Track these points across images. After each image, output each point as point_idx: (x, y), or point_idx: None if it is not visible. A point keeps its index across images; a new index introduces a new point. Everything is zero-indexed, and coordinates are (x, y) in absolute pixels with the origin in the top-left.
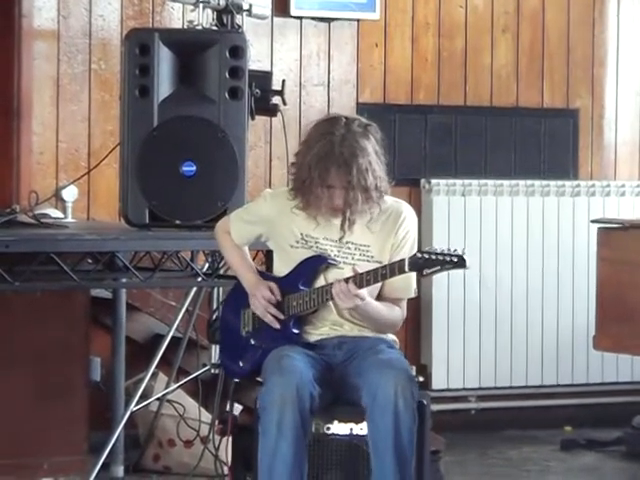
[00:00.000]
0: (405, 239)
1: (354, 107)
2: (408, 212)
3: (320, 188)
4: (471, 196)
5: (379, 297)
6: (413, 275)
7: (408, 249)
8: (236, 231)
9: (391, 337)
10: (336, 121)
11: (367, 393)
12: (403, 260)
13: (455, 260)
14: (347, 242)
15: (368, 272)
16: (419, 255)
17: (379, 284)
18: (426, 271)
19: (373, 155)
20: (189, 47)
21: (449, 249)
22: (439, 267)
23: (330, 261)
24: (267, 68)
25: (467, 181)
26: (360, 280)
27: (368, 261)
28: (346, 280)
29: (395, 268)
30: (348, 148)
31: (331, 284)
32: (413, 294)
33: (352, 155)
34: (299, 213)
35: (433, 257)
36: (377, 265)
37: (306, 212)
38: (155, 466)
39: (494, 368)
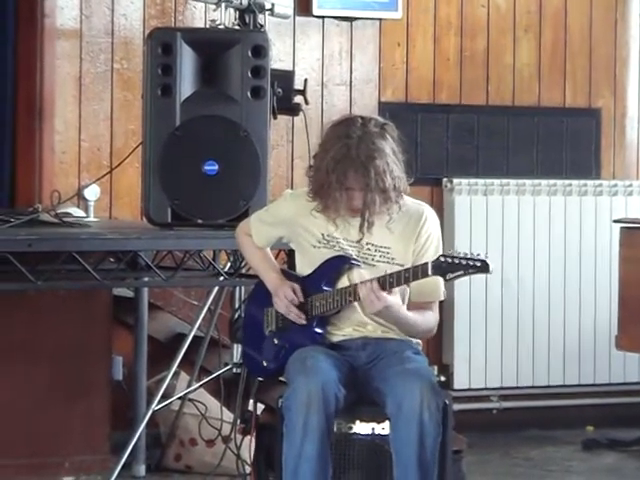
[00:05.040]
0: (428, 242)
1: (376, 106)
2: (429, 214)
3: (338, 191)
4: (493, 195)
5: (409, 302)
6: (441, 278)
7: (432, 252)
8: (257, 233)
9: (415, 339)
10: (352, 122)
11: (392, 402)
12: (426, 264)
13: (478, 265)
14: (367, 243)
15: (391, 274)
16: (442, 259)
17: (402, 295)
18: (449, 275)
19: (391, 155)
20: (211, 46)
21: (472, 253)
22: (462, 272)
23: (353, 262)
24: (289, 67)
25: (489, 180)
26: (383, 282)
27: (389, 263)
28: (376, 280)
29: (418, 271)
30: (365, 150)
31: (355, 285)
32: (442, 297)
33: (369, 157)
34: (318, 215)
35: (456, 261)
36: (399, 268)
37: (325, 214)
38: (177, 465)
39: (516, 368)
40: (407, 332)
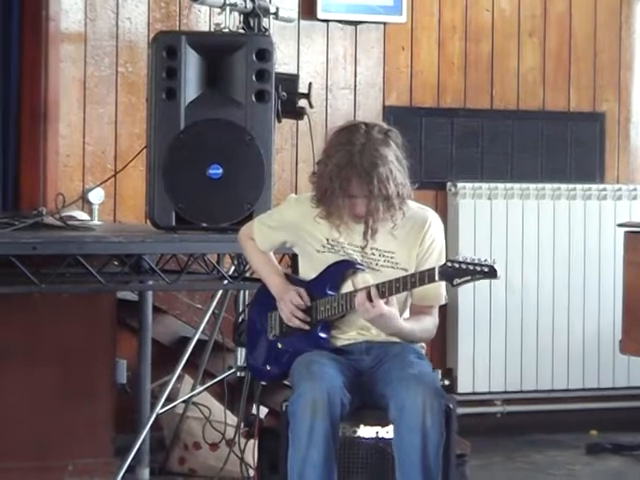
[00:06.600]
0: (432, 247)
1: (380, 110)
2: (433, 219)
3: (341, 198)
4: (497, 199)
5: (410, 305)
6: (443, 282)
7: (435, 257)
8: (260, 237)
9: (419, 344)
10: (356, 129)
11: (395, 407)
12: (433, 269)
13: (486, 270)
14: (372, 248)
15: (397, 279)
16: (449, 264)
17: (404, 298)
18: (456, 281)
19: (394, 162)
20: (216, 50)
21: (479, 259)
22: (469, 277)
23: (358, 266)
24: (294, 71)
25: (493, 184)
26: (389, 287)
27: (393, 268)
28: (376, 287)
29: (425, 277)
30: (368, 157)
31: (355, 291)
32: (444, 301)
33: (372, 164)
34: (322, 222)
35: (464, 267)
36: (403, 272)
37: (328, 221)
38: (181, 469)
39: (520, 372)
40: (403, 340)
